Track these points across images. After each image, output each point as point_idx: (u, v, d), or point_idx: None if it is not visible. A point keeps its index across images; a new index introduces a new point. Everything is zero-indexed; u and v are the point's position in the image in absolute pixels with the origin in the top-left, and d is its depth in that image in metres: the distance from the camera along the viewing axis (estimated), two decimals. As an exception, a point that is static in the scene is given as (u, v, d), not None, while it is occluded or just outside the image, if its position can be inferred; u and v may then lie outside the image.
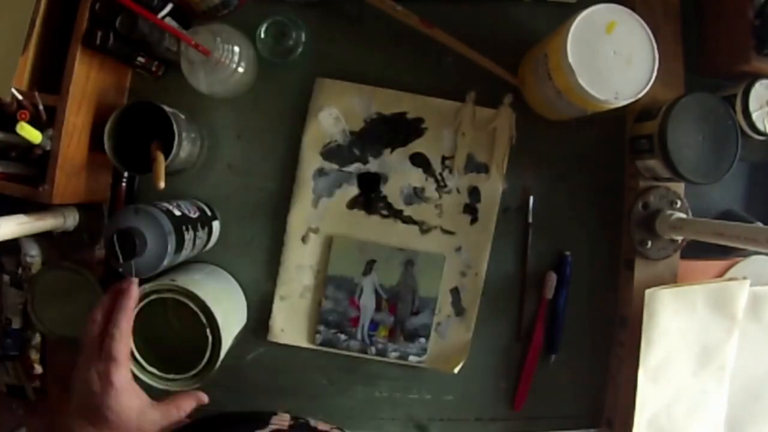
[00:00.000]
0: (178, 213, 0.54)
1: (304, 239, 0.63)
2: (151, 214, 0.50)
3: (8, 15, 0.51)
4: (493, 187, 0.64)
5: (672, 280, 0.63)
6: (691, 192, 0.63)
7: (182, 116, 0.57)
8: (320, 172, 0.63)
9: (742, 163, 0.62)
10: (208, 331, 0.52)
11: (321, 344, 0.64)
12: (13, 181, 0.53)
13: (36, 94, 0.51)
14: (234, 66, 0.55)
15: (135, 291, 0.47)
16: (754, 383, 0.65)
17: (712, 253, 0.64)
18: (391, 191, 0.63)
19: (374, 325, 0.64)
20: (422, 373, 0.65)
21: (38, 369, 0.63)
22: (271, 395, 0.65)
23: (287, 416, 0.48)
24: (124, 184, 0.62)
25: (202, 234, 0.58)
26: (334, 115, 0.62)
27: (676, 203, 0.62)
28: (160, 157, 0.53)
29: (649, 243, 0.62)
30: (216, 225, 0.62)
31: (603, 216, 0.66)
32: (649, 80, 0.52)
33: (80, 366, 0.44)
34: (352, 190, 0.63)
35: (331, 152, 0.63)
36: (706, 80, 0.64)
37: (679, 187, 0.63)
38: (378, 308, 0.64)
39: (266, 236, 0.64)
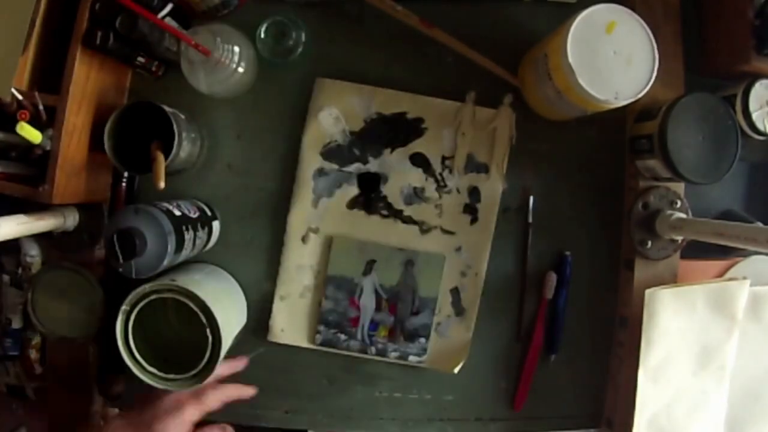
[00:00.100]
0: (178, 213, 0.54)
1: (304, 239, 0.63)
2: (151, 214, 0.50)
3: (8, 15, 0.51)
4: (493, 187, 0.64)
5: (672, 280, 0.63)
6: (691, 192, 0.63)
7: (182, 116, 0.57)
8: (320, 172, 0.63)
9: (742, 163, 0.62)
10: (208, 331, 0.52)
11: (321, 344, 0.64)
12: (13, 181, 0.53)
13: (36, 94, 0.51)
14: (234, 66, 0.55)
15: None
16: (754, 383, 0.65)
17: (712, 253, 0.64)
18: (391, 191, 0.63)
19: (374, 325, 0.64)
20: (422, 373, 0.65)
21: (38, 369, 0.63)
22: (271, 395, 0.65)
23: None
24: (124, 184, 0.62)
25: (202, 234, 0.58)
26: (334, 115, 0.62)
27: (676, 203, 0.62)
28: (160, 157, 0.53)
29: (649, 243, 0.62)
30: (216, 225, 0.62)
31: (603, 216, 0.66)
32: (649, 80, 0.52)
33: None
34: (352, 190, 0.63)
35: (331, 152, 0.63)
36: (706, 80, 0.64)
37: (679, 187, 0.63)
38: (378, 308, 0.64)
39: (266, 236, 0.64)
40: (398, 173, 0.63)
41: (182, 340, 0.58)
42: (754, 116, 0.60)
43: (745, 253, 0.65)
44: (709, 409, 0.62)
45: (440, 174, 0.63)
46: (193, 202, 0.61)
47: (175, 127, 0.54)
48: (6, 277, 0.61)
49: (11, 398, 0.66)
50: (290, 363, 0.65)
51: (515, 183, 0.64)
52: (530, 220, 0.64)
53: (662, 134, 0.56)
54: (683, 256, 0.63)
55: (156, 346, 0.55)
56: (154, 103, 0.54)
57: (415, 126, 0.63)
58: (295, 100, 0.63)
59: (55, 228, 0.55)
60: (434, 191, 0.64)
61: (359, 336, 0.64)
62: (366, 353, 0.64)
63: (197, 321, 0.52)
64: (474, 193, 0.64)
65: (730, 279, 0.63)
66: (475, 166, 0.64)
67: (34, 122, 0.50)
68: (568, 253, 0.64)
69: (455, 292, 0.64)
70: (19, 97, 0.50)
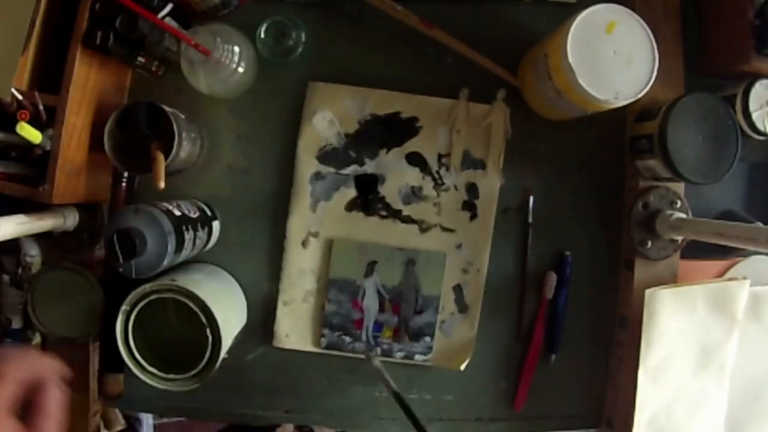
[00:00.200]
0: (178, 213, 0.54)
1: (304, 244, 0.63)
2: (151, 214, 0.50)
3: (8, 15, 0.51)
4: (491, 183, 0.64)
5: (672, 280, 0.63)
6: (691, 192, 0.63)
7: (182, 116, 0.57)
8: (317, 176, 0.63)
9: (742, 163, 0.62)
10: (208, 331, 0.52)
11: (326, 348, 0.64)
12: (13, 181, 0.52)
13: (36, 94, 0.51)
14: (234, 66, 0.55)
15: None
16: (754, 383, 0.65)
17: (712, 253, 0.64)
18: (389, 191, 0.63)
19: (378, 326, 0.64)
20: (422, 372, 0.65)
21: (38, 369, 0.63)
22: (271, 395, 0.65)
23: (290, 427, 0.48)
24: (124, 184, 0.62)
25: (202, 234, 0.58)
26: (328, 119, 0.62)
27: (676, 203, 0.62)
28: (160, 157, 0.53)
29: (649, 243, 0.62)
30: (216, 225, 0.62)
31: (603, 216, 0.66)
32: (649, 80, 0.52)
33: None
34: (350, 193, 0.63)
35: (326, 156, 0.63)
36: (706, 80, 0.64)
37: (679, 187, 0.63)
38: (381, 309, 0.64)
39: (266, 236, 0.64)
40: (395, 173, 0.63)
41: (182, 340, 0.58)
42: (754, 116, 0.60)
43: (745, 253, 0.65)
44: (709, 409, 0.62)
45: (437, 172, 0.63)
46: (193, 202, 0.61)
47: (175, 127, 0.54)
48: (6, 277, 0.61)
49: (11, 398, 0.66)
50: (290, 363, 0.65)
51: (515, 183, 0.64)
52: (530, 220, 0.64)
53: (662, 134, 0.56)
54: (683, 256, 0.63)
55: (156, 346, 0.55)
56: (154, 103, 0.54)
57: (409, 125, 0.63)
58: (295, 100, 0.63)
59: (55, 228, 0.55)
60: (432, 189, 0.64)
61: (364, 338, 0.64)
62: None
63: (197, 321, 0.52)
64: (472, 189, 0.64)
65: (730, 279, 0.63)
66: (471, 163, 0.64)
67: (34, 122, 0.50)
68: (568, 253, 0.64)
69: (458, 289, 0.64)
70: (19, 97, 0.50)
